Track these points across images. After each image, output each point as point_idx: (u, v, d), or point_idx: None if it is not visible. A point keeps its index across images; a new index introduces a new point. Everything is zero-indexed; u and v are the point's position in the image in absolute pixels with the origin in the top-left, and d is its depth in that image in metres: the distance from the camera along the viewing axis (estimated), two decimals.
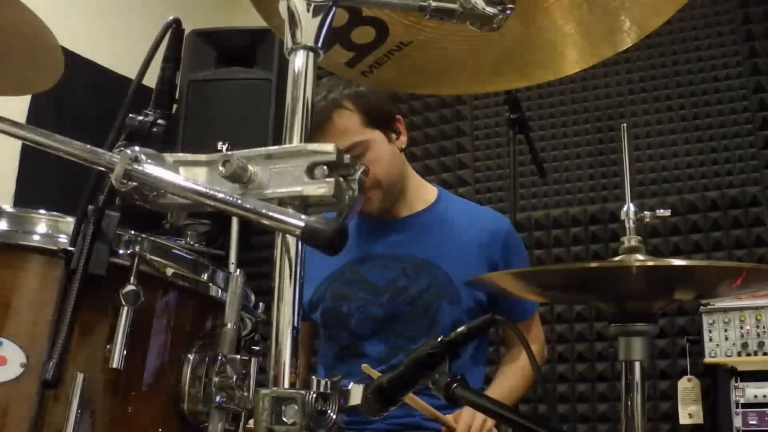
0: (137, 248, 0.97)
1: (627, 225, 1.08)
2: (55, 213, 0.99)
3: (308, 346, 2.01)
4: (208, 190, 0.73)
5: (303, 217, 0.68)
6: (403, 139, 1.80)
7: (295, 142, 0.78)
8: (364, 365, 1.50)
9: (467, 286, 1.71)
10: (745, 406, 2.36)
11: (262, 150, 0.76)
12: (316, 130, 1.65)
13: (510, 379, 1.79)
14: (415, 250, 1.76)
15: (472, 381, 1.78)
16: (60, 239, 0.95)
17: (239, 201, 0.72)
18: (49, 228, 0.97)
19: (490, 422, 1.57)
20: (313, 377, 0.74)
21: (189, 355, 1.02)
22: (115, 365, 0.91)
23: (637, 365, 1.00)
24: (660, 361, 2.87)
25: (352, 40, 1.09)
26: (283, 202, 0.74)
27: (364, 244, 1.80)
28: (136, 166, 0.76)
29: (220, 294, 1.09)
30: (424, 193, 1.85)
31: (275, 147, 0.76)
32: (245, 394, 0.92)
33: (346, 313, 1.75)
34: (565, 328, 3.06)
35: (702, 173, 3.02)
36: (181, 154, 0.81)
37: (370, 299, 1.74)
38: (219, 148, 2.81)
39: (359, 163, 1.70)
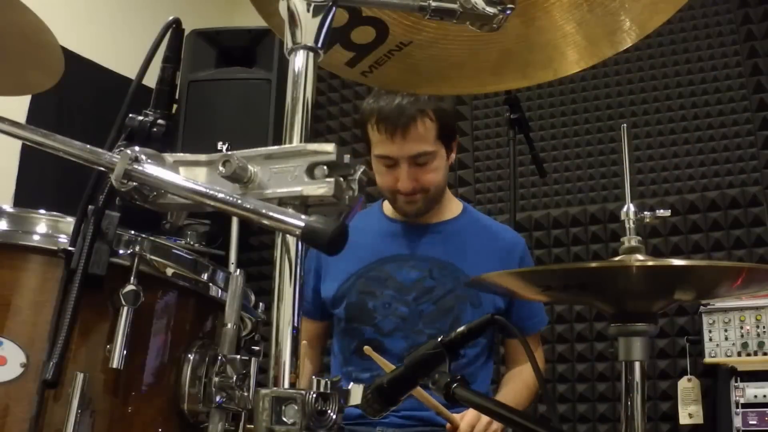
0: (137, 248, 0.97)
1: (627, 225, 1.08)
2: (55, 213, 0.99)
3: (322, 346, 2.02)
4: (208, 190, 0.73)
5: (303, 217, 0.68)
6: (453, 156, 1.89)
7: (295, 142, 0.78)
8: (366, 347, 1.53)
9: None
10: (745, 406, 2.36)
11: (262, 150, 0.76)
12: (396, 127, 1.73)
13: (515, 390, 1.82)
14: (441, 254, 1.84)
15: (484, 377, 1.82)
16: (60, 239, 0.95)
17: (239, 201, 0.72)
18: (49, 228, 0.97)
19: (496, 425, 1.58)
20: (313, 377, 0.74)
21: (189, 355, 1.01)
22: (115, 365, 0.91)
23: (637, 365, 1.00)
24: (660, 361, 2.86)
25: (352, 40, 1.09)
26: (283, 202, 0.74)
27: (392, 244, 1.87)
28: (136, 166, 0.76)
29: (220, 294, 1.09)
30: (452, 205, 1.96)
31: (275, 147, 0.76)
32: (245, 394, 0.92)
33: (371, 309, 1.81)
34: (565, 328, 3.06)
35: (702, 173, 3.01)
36: (181, 154, 0.81)
37: (396, 296, 1.80)
38: (219, 148, 2.81)
39: (419, 170, 1.78)
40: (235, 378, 0.93)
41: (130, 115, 0.96)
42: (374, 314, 1.80)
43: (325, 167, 0.73)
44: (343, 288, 1.84)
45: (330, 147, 0.73)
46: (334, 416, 0.74)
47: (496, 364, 2.00)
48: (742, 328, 2.46)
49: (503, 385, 1.86)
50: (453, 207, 1.95)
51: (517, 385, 1.83)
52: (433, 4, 0.90)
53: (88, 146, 0.81)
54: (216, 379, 0.95)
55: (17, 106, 2.75)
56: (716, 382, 2.48)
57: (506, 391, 1.82)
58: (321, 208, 0.74)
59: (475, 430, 1.55)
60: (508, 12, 0.93)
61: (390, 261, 1.84)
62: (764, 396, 2.35)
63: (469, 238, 1.87)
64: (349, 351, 1.83)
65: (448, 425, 1.58)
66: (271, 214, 0.69)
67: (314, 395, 0.71)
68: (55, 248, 0.93)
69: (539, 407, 2.95)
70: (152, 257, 0.99)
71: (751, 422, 2.34)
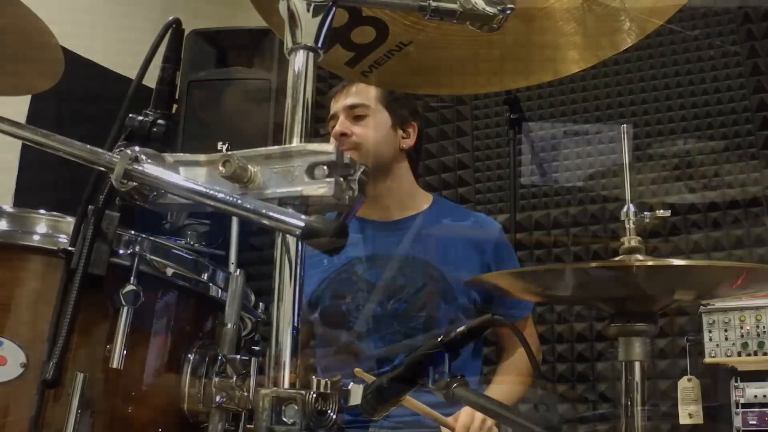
0: (137, 248, 0.97)
1: (627, 225, 1.08)
2: (55, 213, 0.99)
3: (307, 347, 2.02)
4: (208, 190, 0.73)
5: (303, 217, 0.68)
6: (408, 142, 1.89)
7: (295, 142, 0.78)
8: (357, 369, 1.52)
9: (467, 286, 1.76)
10: (745, 406, 2.36)
11: (262, 150, 0.76)
12: (339, 89, 1.84)
13: (507, 383, 1.81)
14: (411, 251, 1.82)
15: (470, 374, 1.81)
16: (60, 239, 0.95)
17: (239, 201, 0.72)
18: (49, 228, 0.97)
19: (490, 422, 1.58)
20: (313, 377, 0.74)
21: (189, 355, 1.02)
22: (115, 365, 0.91)
23: (637, 365, 1.00)
24: (660, 361, 2.86)
25: (352, 40, 1.09)
26: (283, 202, 0.73)
27: (360, 245, 1.85)
28: (136, 166, 0.76)
29: (220, 294, 1.09)
30: (418, 197, 1.93)
31: (275, 147, 0.76)
32: (245, 394, 0.92)
33: (345, 312, 1.80)
34: (565, 328, 3.06)
35: (702, 173, 3.01)
36: (181, 154, 0.81)
37: (369, 298, 1.79)
38: (219, 148, 2.81)
39: (355, 125, 1.80)
40: (235, 378, 0.93)
41: (130, 115, 0.96)
42: (348, 317, 1.79)
43: (325, 167, 0.72)
44: (317, 294, 1.83)
45: (330, 147, 0.73)
46: (334, 416, 0.74)
47: (490, 363, 1.99)
48: (742, 328, 2.46)
49: (495, 376, 1.85)
50: (421, 201, 1.92)
51: (509, 375, 1.82)
52: (433, 4, 0.90)
53: (88, 146, 0.81)
54: (216, 379, 0.95)
55: (17, 106, 2.75)
56: (716, 382, 2.47)
57: (498, 382, 1.82)
58: (321, 208, 0.74)
59: (471, 431, 1.55)
60: (508, 12, 0.93)
61: (360, 262, 1.83)
62: (764, 396, 2.34)
63: (440, 233, 1.85)
64: (329, 356, 1.83)
65: (443, 430, 1.57)
66: (271, 214, 0.69)
67: (314, 395, 0.71)
68: (55, 248, 0.93)
69: (539, 407, 2.95)
70: (152, 257, 0.99)
71: (751, 422, 2.34)
